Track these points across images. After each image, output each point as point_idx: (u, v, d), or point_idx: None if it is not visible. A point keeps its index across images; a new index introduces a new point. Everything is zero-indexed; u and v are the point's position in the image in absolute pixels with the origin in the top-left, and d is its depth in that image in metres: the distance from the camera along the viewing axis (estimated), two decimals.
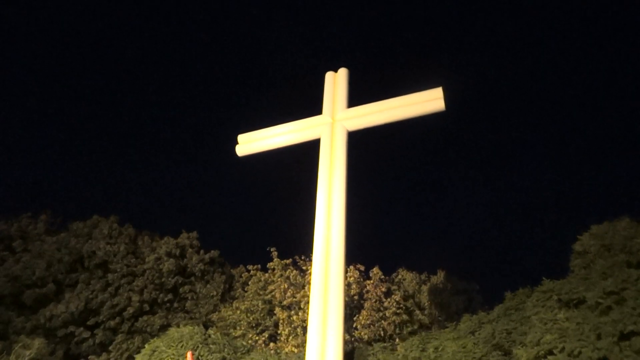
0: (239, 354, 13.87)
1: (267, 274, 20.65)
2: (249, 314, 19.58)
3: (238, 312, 20.01)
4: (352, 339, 17.28)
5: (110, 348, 21.91)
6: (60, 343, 21.73)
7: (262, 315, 19.45)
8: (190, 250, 25.31)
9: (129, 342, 22.06)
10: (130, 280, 23.52)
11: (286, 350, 16.57)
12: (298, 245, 20.83)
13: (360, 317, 17.95)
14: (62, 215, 26.98)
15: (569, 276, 11.13)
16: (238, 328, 19.49)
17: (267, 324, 19.15)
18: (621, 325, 8.35)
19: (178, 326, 15.94)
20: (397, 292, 20.13)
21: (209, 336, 14.18)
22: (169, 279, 23.89)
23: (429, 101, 9.36)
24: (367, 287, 19.04)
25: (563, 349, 8.78)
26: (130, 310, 22.59)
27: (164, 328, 20.55)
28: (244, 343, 15.45)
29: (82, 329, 22.01)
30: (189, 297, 24.00)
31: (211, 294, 24.05)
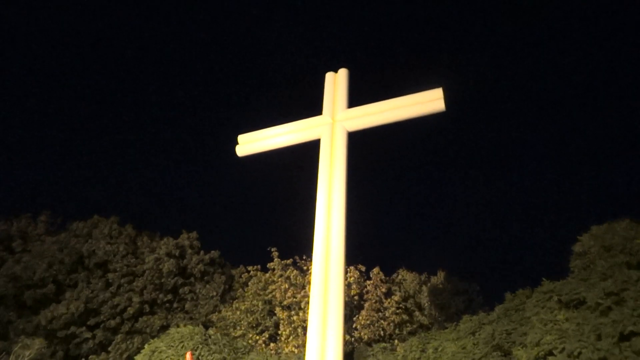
0: (239, 354, 13.88)
1: (267, 274, 20.68)
2: (249, 314, 19.60)
3: (238, 312, 20.03)
4: (352, 339, 17.29)
5: (109, 348, 21.91)
6: (60, 344, 21.73)
7: (262, 315, 19.47)
8: (190, 250, 25.31)
9: (128, 342, 22.07)
10: (130, 280, 23.53)
11: (286, 350, 16.58)
12: (298, 245, 20.87)
13: (360, 318, 17.95)
14: (62, 216, 27.02)
15: (569, 277, 11.13)
16: (238, 328, 19.50)
17: (267, 324, 19.16)
18: (621, 326, 8.35)
19: (178, 326, 15.94)
20: (397, 292, 20.14)
21: (209, 336, 14.18)
22: (169, 279, 23.89)
23: (429, 101, 9.36)
24: (368, 288, 19.05)
25: (563, 349, 8.78)
26: (131, 310, 22.60)
27: (164, 329, 20.57)
28: (244, 343, 15.46)
29: (83, 328, 22.01)
30: (189, 298, 23.99)
31: (211, 294, 24.05)
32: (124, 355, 21.45)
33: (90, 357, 21.47)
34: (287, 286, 18.88)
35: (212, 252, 25.86)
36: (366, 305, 18.48)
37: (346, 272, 18.19)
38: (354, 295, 18.74)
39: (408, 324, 19.22)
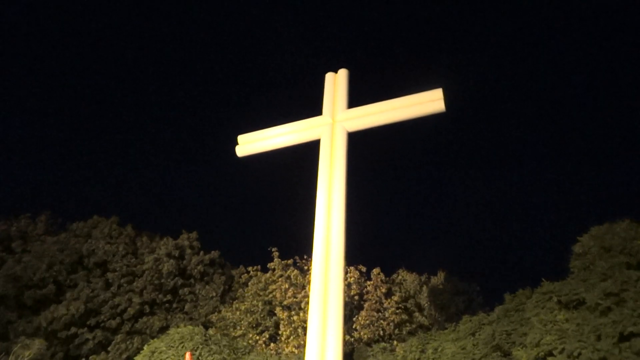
0: (239, 354, 13.88)
1: (267, 274, 20.69)
2: (249, 314, 19.60)
3: (238, 312, 20.03)
4: (352, 340, 17.28)
5: (109, 348, 21.90)
6: (60, 344, 21.72)
7: (262, 315, 19.46)
8: (189, 251, 25.29)
9: (128, 342, 22.05)
10: (130, 281, 23.52)
11: (286, 351, 16.57)
12: (298, 245, 20.89)
13: (360, 318, 17.95)
14: (61, 217, 27.02)
15: (569, 277, 11.13)
16: (238, 328, 19.50)
17: (267, 324, 19.16)
18: (621, 326, 8.36)
19: (178, 327, 15.94)
20: (397, 292, 20.13)
21: (210, 337, 14.18)
22: (168, 280, 23.88)
23: (429, 102, 9.37)
24: (368, 288, 19.05)
25: (563, 350, 8.78)
26: (131, 311, 22.59)
27: (163, 330, 20.56)
28: (245, 343, 15.46)
29: (85, 329, 22.00)
30: (189, 300, 23.98)
31: (210, 295, 24.04)
32: (124, 356, 21.44)
33: (91, 357, 21.47)
34: (287, 286, 18.88)
35: (212, 252, 25.84)
36: (366, 305, 18.48)
37: (346, 273, 18.26)
38: (354, 296, 18.74)
39: (407, 324, 19.22)
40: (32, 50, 71.16)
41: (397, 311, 18.69)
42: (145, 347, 14.63)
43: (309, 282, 17.43)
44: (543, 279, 11.22)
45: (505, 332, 10.77)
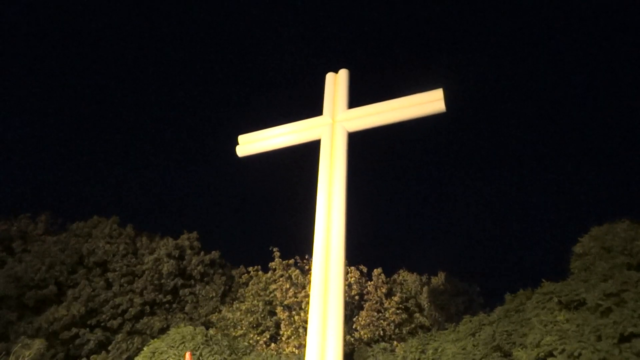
0: (239, 354, 13.87)
1: (268, 274, 20.68)
2: (249, 314, 19.58)
3: (238, 312, 20.01)
4: (352, 340, 17.27)
5: (109, 347, 21.90)
6: (61, 345, 21.71)
7: (262, 315, 19.45)
8: (189, 251, 25.29)
9: (128, 342, 22.05)
10: (130, 281, 23.52)
11: (287, 351, 16.55)
12: (298, 246, 20.89)
13: (360, 318, 17.94)
14: (61, 217, 27.03)
15: (569, 278, 11.12)
16: (239, 328, 19.49)
17: (267, 324, 19.15)
18: (621, 327, 8.36)
19: (178, 327, 15.93)
20: (397, 293, 20.13)
21: (211, 337, 14.16)
22: (168, 280, 23.88)
23: (429, 102, 9.38)
24: (368, 288, 19.04)
25: (563, 350, 8.78)
26: (132, 311, 22.59)
27: (163, 331, 20.55)
28: (245, 344, 15.45)
29: (86, 330, 21.99)
30: (189, 300, 23.97)
31: (210, 295, 24.04)
32: (124, 356, 21.44)
33: (92, 357, 21.47)
34: (288, 286, 18.87)
35: (213, 252, 25.85)
36: (366, 305, 18.47)
37: (347, 273, 18.25)
38: (354, 296, 18.73)
39: (407, 324, 19.22)
40: (32, 50, 71.22)
41: (398, 311, 18.69)
42: (145, 348, 14.61)
43: (309, 282, 17.42)
44: (543, 280, 11.21)
45: (505, 333, 10.76)
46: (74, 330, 21.78)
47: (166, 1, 78.66)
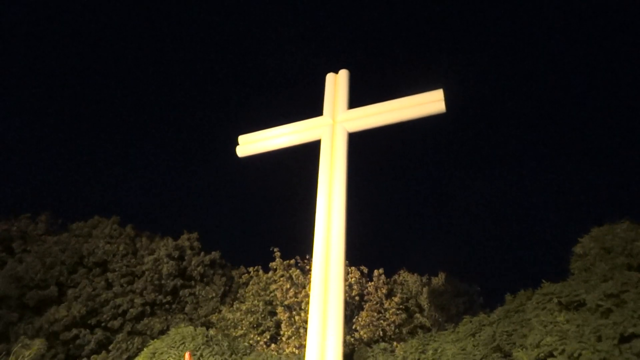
0: (239, 354, 13.86)
1: (268, 274, 20.69)
2: (249, 315, 19.59)
3: (239, 313, 20.01)
4: (352, 340, 17.28)
5: (110, 347, 21.91)
6: (61, 345, 21.72)
7: (262, 315, 19.46)
8: (189, 252, 25.29)
9: (128, 342, 22.06)
10: (130, 281, 23.52)
11: (287, 351, 16.55)
12: (299, 246, 20.89)
13: (360, 318, 17.95)
14: (61, 217, 27.03)
15: (569, 279, 11.11)
16: (239, 328, 19.49)
17: (268, 324, 19.15)
18: (621, 327, 8.36)
19: (178, 327, 15.92)
20: (398, 293, 20.14)
21: (211, 337, 14.15)
22: (168, 281, 23.88)
23: (429, 103, 9.39)
24: (369, 289, 19.05)
25: (563, 351, 8.78)
26: (133, 312, 22.59)
27: (164, 331, 20.56)
28: (246, 344, 15.44)
29: (87, 331, 21.99)
30: (189, 301, 23.97)
31: (210, 295, 24.04)
32: (124, 356, 21.44)
33: (92, 357, 21.48)
34: (288, 286, 18.88)
35: (213, 253, 25.86)
36: (366, 306, 18.48)
37: (347, 273, 18.26)
38: (354, 296, 18.74)
39: (407, 324, 19.23)
40: (32, 50, 71.23)
41: (398, 312, 18.70)
42: (145, 348, 14.60)
43: (309, 282, 17.42)
44: (543, 280, 11.21)
45: (505, 333, 10.76)
46: (75, 330, 21.78)
47: (166, 1, 78.73)
